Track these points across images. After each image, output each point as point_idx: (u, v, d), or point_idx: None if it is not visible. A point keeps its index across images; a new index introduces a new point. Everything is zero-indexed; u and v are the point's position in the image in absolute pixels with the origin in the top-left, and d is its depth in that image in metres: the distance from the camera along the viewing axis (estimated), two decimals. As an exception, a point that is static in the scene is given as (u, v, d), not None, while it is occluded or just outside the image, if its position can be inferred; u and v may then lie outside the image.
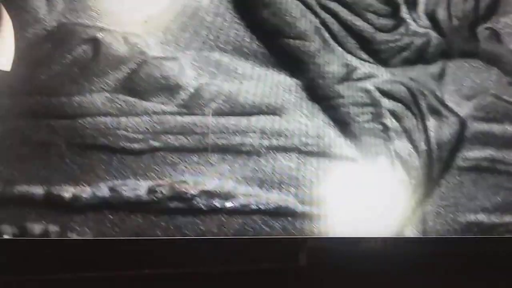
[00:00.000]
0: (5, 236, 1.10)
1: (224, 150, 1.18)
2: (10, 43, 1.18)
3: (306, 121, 1.21)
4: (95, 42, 1.20)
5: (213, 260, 1.18)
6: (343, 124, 1.22)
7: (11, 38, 1.18)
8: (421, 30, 1.27)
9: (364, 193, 1.18)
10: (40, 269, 1.15)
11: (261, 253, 1.18)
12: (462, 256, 1.21)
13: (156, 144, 1.17)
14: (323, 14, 1.26)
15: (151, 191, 1.16)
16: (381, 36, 1.26)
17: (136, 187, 1.16)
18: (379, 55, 1.26)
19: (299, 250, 1.18)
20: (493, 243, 1.22)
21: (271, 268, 1.18)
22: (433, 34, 1.27)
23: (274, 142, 1.20)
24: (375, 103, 1.23)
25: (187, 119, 1.19)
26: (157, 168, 1.17)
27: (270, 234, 1.16)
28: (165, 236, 1.13)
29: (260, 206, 1.17)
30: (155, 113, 1.19)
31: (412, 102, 1.24)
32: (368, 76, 1.25)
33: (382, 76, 1.25)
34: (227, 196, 1.16)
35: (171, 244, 1.17)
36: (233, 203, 1.16)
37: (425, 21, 1.28)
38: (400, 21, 1.28)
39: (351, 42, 1.26)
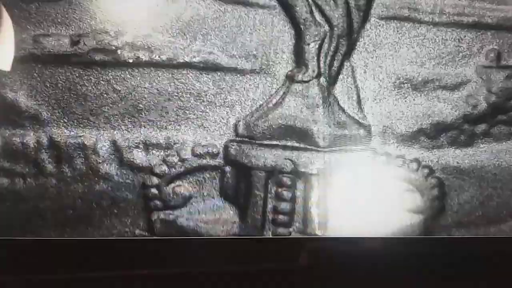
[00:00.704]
0: None
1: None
2: (10, 43, 1.14)
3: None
4: None
5: (213, 260, 1.18)
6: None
7: (11, 38, 1.14)
8: None
9: (364, 193, 1.17)
10: (40, 269, 1.14)
11: (261, 253, 1.17)
12: (462, 256, 1.22)
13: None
14: None
15: (73, 42, 1.15)
16: None
17: (59, 38, 1.14)
18: None
19: (299, 250, 1.18)
20: (492, 243, 1.22)
21: (271, 268, 1.18)
22: None
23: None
24: None
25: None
26: (75, 16, 1.14)
27: (199, 89, 1.17)
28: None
29: (186, 59, 1.16)
30: None
31: None
32: None
33: None
34: (151, 48, 1.15)
35: (171, 244, 1.16)
36: (159, 56, 1.15)
37: None
38: None
39: None
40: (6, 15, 1.14)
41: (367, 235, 1.18)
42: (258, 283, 1.18)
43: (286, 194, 1.15)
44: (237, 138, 1.17)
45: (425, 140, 1.21)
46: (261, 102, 1.17)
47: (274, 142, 1.16)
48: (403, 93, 1.20)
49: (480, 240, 1.22)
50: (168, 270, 1.17)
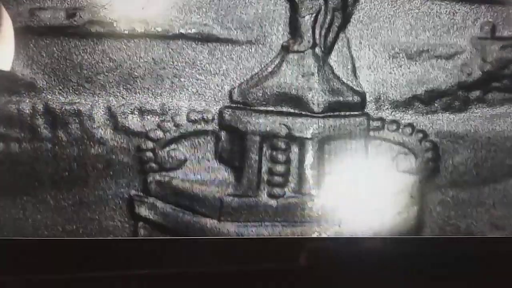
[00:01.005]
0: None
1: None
2: (10, 43, 1.14)
3: None
4: None
5: (213, 260, 1.17)
6: None
7: (11, 38, 1.14)
8: None
9: (365, 192, 1.18)
10: (40, 269, 1.13)
11: (261, 253, 1.17)
12: (462, 256, 1.21)
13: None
14: None
15: (69, 15, 1.15)
16: None
17: (55, 11, 1.14)
18: None
19: (299, 250, 1.17)
20: (492, 244, 1.22)
21: (271, 268, 1.17)
22: None
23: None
24: None
25: None
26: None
27: (194, 58, 1.17)
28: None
29: (182, 31, 1.17)
30: None
31: None
32: None
33: None
34: (147, 20, 1.15)
35: (171, 244, 1.17)
36: (155, 28, 1.16)
37: None
38: None
39: None
40: (6, 15, 1.15)
41: (367, 235, 1.18)
42: (258, 283, 1.17)
43: (281, 156, 1.15)
44: (231, 105, 1.17)
45: (419, 106, 1.21)
46: (256, 71, 1.18)
47: (269, 108, 1.17)
48: (398, 62, 1.21)
49: (481, 240, 1.21)
50: (168, 270, 1.16)
